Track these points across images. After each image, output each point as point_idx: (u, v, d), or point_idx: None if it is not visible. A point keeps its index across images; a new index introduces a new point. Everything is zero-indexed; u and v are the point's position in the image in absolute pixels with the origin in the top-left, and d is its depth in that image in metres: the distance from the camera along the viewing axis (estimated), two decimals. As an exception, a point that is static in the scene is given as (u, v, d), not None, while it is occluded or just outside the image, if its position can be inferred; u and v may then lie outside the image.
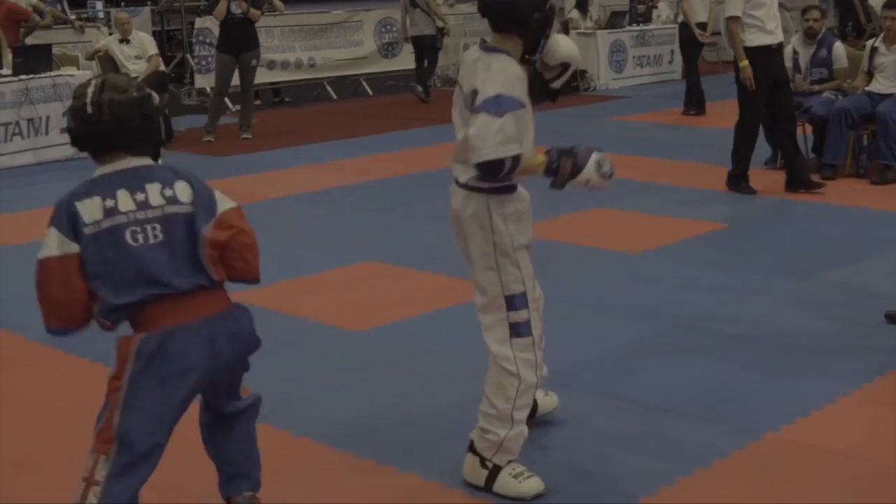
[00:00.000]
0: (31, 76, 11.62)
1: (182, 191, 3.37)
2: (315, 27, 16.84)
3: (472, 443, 4.19)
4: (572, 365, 5.38)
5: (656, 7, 18.21)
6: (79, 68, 12.86)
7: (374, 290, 6.91)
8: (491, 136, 3.75)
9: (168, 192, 3.35)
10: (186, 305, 3.34)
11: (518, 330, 4.05)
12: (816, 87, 10.22)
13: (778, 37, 9.01)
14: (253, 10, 12.53)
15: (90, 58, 13.65)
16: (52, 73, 11.92)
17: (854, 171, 9.89)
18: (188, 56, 16.75)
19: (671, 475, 4.28)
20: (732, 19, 8.93)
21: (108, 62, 12.88)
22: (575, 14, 17.53)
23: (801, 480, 4.27)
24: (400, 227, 8.59)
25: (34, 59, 11.85)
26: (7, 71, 11.73)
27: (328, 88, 16.94)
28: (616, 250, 7.65)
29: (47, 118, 11.73)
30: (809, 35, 10.35)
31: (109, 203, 3.28)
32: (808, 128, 10.29)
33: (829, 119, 9.76)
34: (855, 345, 5.68)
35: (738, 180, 9.38)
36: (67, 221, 3.27)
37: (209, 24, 14.74)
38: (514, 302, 4.05)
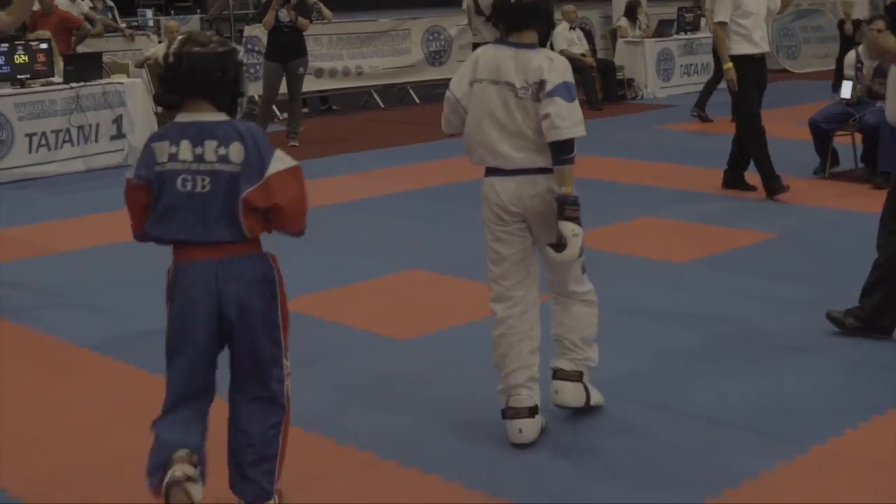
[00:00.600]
0: (81, 84, 11.72)
1: (235, 152, 3.68)
2: (363, 35, 16.89)
3: (560, 372, 4.75)
4: (619, 374, 5.35)
5: (704, 15, 18.09)
6: (128, 76, 12.94)
7: (420, 299, 6.92)
8: (569, 117, 4.34)
9: (221, 151, 3.68)
10: (205, 247, 3.71)
11: (584, 267, 4.71)
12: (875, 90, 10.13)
13: (762, 47, 9.32)
14: (301, 19, 12.58)
15: (140, 65, 13.79)
16: (103, 81, 12.02)
17: (907, 181, 9.77)
18: (237, 64, 16.85)
19: (717, 487, 4.25)
20: (719, 24, 9.31)
21: (158, 70, 12.94)
22: (623, 22, 17.48)
23: (850, 493, 4.23)
24: (446, 235, 8.58)
25: (85, 67, 11.96)
26: (58, 79, 11.84)
27: (375, 97, 16.97)
28: (663, 259, 7.61)
29: (97, 125, 11.83)
30: None
31: (173, 149, 3.71)
32: (858, 137, 10.20)
33: (880, 128, 9.67)
34: (905, 357, 5.62)
35: (771, 184, 9.38)
36: (143, 157, 3.75)
37: (258, 32, 14.82)
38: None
